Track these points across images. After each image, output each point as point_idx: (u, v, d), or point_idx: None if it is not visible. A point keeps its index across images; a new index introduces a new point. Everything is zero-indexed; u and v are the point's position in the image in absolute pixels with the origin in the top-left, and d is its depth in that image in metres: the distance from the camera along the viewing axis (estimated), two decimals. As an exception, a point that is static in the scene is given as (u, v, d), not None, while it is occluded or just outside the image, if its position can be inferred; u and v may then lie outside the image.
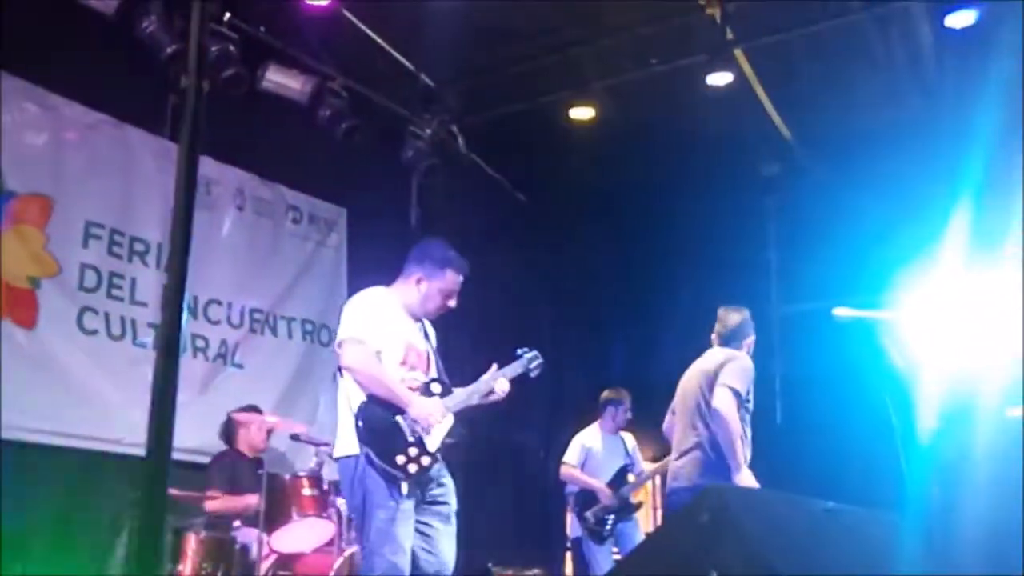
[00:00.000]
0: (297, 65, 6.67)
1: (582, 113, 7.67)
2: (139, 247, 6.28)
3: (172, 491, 5.27)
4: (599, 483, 6.69)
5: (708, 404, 4.94)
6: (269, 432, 6.05)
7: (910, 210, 6.99)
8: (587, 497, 6.71)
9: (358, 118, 6.88)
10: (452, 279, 4.22)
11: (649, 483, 7.46)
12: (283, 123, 6.77)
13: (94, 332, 5.97)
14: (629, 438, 6.97)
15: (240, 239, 7.00)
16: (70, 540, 5.50)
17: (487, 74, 7.35)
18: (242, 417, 5.87)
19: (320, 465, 5.74)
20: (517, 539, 8.14)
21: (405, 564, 3.88)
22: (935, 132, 6.85)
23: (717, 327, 5.33)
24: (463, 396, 4.16)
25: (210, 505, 5.57)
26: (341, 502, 5.53)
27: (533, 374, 4.41)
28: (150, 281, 6.23)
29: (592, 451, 6.85)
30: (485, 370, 4.32)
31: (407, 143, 7.39)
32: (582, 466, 6.82)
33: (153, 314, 6.16)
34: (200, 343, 6.59)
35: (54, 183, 5.84)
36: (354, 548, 5.24)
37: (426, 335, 4.30)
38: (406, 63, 7.01)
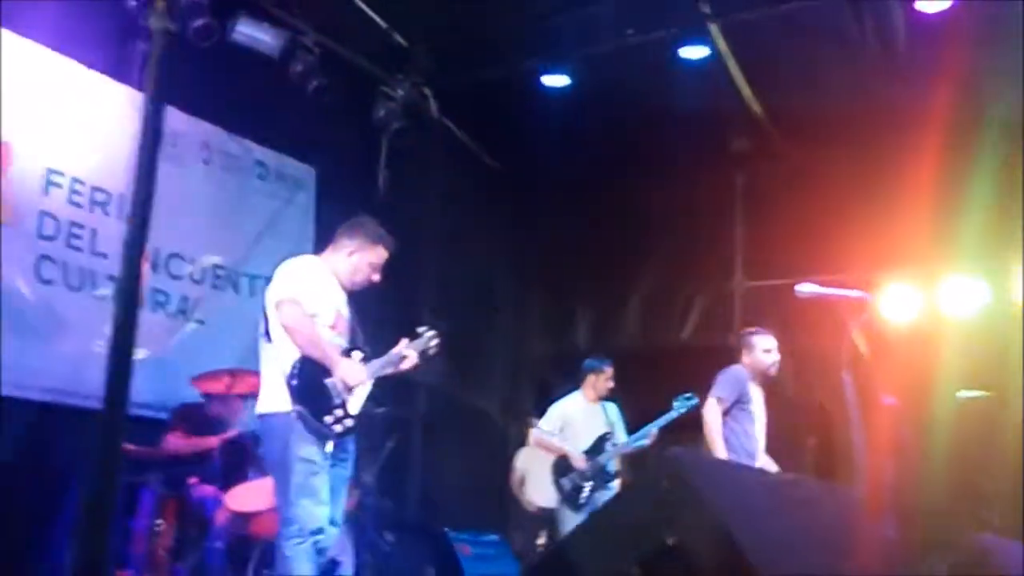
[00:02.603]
0: (269, 18, 6.55)
1: (556, 81, 7.63)
2: (100, 197, 6.17)
3: (127, 446, 5.21)
4: (569, 449, 6.56)
5: None
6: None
7: (876, 192, 7.06)
8: (564, 464, 6.62)
9: (329, 75, 6.78)
10: (382, 254, 4.53)
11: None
12: (253, 77, 6.64)
13: (51, 282, 5.87)
14: (612, 408, 6.79)
15: (205, 194, 6.89)
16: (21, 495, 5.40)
17: (462, 36, 7.27)
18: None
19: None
20: (475, 504, 8.16)
21: (324, 515, 4.12)
22: (902, 116, 6.90)
23: None
24: (379, 365, 4.43)
25: (171, 444, 5.51)
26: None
27: (431, 352, 4.63)
28: (111, 232, 6.12)
29: (570, 419, 6.71)
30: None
31: (378, 103, 7.31)
32: (560, 433, 6.68)
33: (113, 266, 6.05)
34: (161, 298, 6.50)
35: (15, 129, 5.68)
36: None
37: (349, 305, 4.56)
38: (379, 20, 6.92)
